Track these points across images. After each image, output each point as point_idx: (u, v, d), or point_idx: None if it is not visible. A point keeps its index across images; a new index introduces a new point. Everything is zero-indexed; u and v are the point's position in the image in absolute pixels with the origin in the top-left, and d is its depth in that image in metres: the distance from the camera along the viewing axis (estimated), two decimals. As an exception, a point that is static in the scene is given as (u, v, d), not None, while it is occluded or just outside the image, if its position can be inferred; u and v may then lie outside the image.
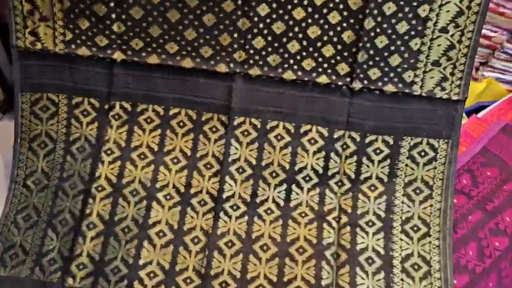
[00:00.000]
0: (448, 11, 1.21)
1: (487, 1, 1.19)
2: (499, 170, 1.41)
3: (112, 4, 1.22)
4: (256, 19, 1.24)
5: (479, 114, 1.53)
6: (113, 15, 1.24)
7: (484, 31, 1.50)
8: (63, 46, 1.26)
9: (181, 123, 1.32)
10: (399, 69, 1.26)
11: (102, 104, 1.31)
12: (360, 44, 1.23)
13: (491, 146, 1.45)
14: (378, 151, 1.32)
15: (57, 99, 1.31)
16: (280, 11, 1.23)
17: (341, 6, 1.21)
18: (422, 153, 1.32)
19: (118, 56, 1.27)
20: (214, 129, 1.32)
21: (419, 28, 1.22)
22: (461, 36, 1.23)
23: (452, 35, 1.23)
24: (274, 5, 1.22)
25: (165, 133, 1.33)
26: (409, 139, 1.31)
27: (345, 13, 1.22)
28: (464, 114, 1.51)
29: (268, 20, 1.24)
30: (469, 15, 1.21)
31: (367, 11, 1.20)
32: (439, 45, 1.24)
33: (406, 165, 1.32)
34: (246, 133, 1.32)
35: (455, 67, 1.25)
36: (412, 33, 1.23)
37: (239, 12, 1.23)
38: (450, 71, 1.26)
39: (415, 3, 1.20)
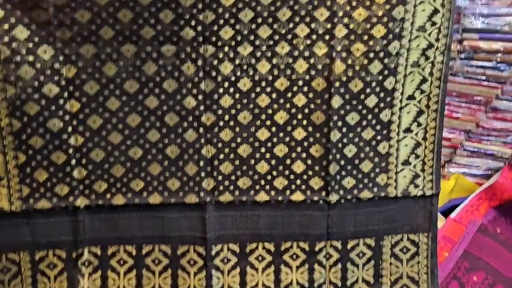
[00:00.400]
0: (409, 112, 1.16)
1: (443, 98, 1.16)
2: (485, 274, 1.34)
3: (71, 150, 1.09)
4: (220, 145, 1.13)
5: (454, 214, 1.47)
6: (73, 162, 1.10)
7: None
8: (20, 203, 1.10)
9: (156, 261, 1.17)
10: (372, 175, 1.18)
11: (69, 254, 1.15)
12: (330, 157, 1.14)
13: (472, 249, 1.38)
14: (360, 255, 1.21)
15: (18, 258, 1.14)
16: (244, 134, 1.13)
17: (304, 122, 1.13)
18: (404, 250, 1.22)
19: (81, 202, 1.12)
20: (192, 262, 1.17)
21: (385, 132, 1.16)
22: (425, 133, 1.17)
23: (416, 134, 1.17)
24: (237, 129, 1.12)
25: (141, 273, 1.17)
26: (390, 238, 1.22)
27: (310, 128, 1.13)
28: (441, 215, 1.45)
29: (233, 144, 1.13)
30: (429, 113, 1.16)
31: (331, 124, 1.12)
32: (406, 145, 1.18)
33: (390, 263, 1.22)
34: (225, 260, 1.18)
35: (424, 163, 1.19)
36: (378, 138, 1.16)
37: (202, 140, 1.12)
38: (420, 168, 1.19)
39: (376, 110, 1.14)
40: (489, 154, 1.55)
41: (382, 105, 1.13)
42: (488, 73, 1.38)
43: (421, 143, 1.18)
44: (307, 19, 1.08)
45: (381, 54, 1.10)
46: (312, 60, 1.10)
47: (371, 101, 1.13)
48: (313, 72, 1.10)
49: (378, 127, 1.15)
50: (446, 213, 1.51)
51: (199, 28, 1.06)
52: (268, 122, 1.12)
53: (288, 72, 1.10)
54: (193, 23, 1.05)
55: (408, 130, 1.16)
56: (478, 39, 1.34)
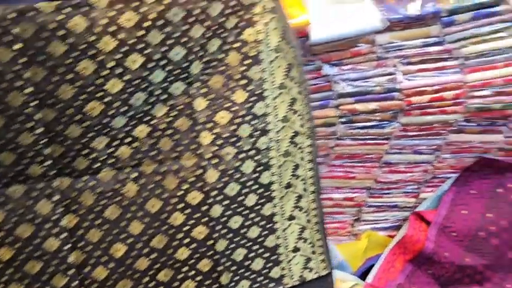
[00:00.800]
0: (289, 200, 1.10)
1: (318, 179, 1.12)
2: None
3: None
4: (96, 285, 0.98)
5: (370, 277, 1.39)
6: None
7: (344, 195, 1.48)
8: None
9: None
10: (265, 271, 1.10)
11: None
12: (220, 268, 1.05)
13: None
14: None
15: None
16: (121, 269, 0.99)
17: (186, 240, 1.02)
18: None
19: None
20: None
21: (270, 225, 1.09)
22: (307, 216, 1.12)
23: (300, 219, 1.11)
24: (111, 264, 0.99)
25: None
26: None
27: (193, 245, 1.03)
28: (359, 280, 1.39)
29: (110, 282, 0.99)
30: (308, 195, 1.12)
31: (215, 234, 1.03)
32: (292, 232, 1.11)
33: None
34: None
35: (313, 245, 1.14)
36: (265, 233, 1.08)
37: (74, 284, 0.97)
38: (311, 251, 1.14)
39: (258, 207, 1.06)
40: (393, 206, 1.52)
41: (262, 200, 1.06)
42: (372, 132, 1.35)
43: (306, 226, 1.12)
44: (169, 131, 0.98)
45: (252, 153, 1.03)
46: (182, 174, 1.00)
47: (250, 200, 1.05)
48: (185, 186, 1.00)
49: (263, 223, 1.07)
50: (365, 274, 1.44)
51: (47, 163, 0.93)
52: (145, 250, 0.99)
53: (158, 191, 0.99)
54: (39, 158, 0.92)
55: (292, 217, 1.10)
56: (354, 103, 1.31)
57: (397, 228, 1.52)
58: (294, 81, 1.05)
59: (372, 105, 1.32)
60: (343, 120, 1.34)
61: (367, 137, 1.37)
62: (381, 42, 1.26)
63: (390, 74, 1.30)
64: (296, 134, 1.07)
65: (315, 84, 1.30)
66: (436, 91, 1.29)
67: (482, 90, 1.29)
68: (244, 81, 1.01)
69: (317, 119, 1.33)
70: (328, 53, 1.28)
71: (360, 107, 1.32)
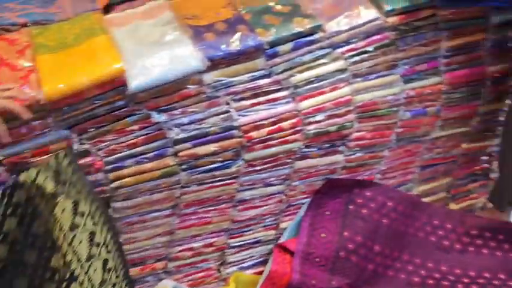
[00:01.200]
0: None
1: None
2: None
3: None
4: None
5: None
6: None
7: (203, 241, 1.41)
8: None
9: None
10: None
11: None
12: None
13: None
14: None
15: None
16: None
17: None
18: None
19: None
20: None
21: None
22: None
23: None
24: None
25: None
26: None
27: None
28: None
29: None
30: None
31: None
32: None
33: None
34: None
35: None
36: None
37: None
38: None
39: None
40: (256, 242, 1.46)
41: None
42: (217, 173, 1.28)
43: None
44: None
45: None
46: None
47: None
48: None
49: None
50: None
51: None
52: None
53: None
54: None
55: None
56: (193, 147, 1.22)
57: (265, 263, 1.47)
58: (100, 245, 1.04)
59: (212, 147, 1.24)
60: (184, 167, 1.24)
61: (214, 179, 1.29)
62: (209, 82, 1.19)
63: (224, 112, 1.23)
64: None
65: (146, 134, 1.19)
66: (273, 123, 1.26)
67: (316, 115, 1.28)
68: (48, 274, 0.90)
69: (156, 170, 1.22)
70: (153, 99, 1.17)
71: (199, 150, 1.23)
